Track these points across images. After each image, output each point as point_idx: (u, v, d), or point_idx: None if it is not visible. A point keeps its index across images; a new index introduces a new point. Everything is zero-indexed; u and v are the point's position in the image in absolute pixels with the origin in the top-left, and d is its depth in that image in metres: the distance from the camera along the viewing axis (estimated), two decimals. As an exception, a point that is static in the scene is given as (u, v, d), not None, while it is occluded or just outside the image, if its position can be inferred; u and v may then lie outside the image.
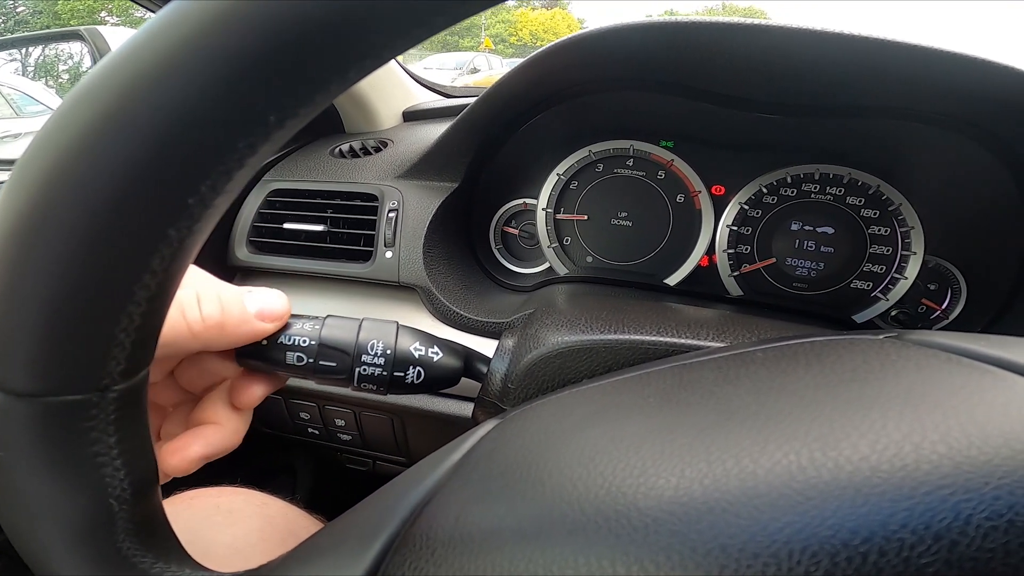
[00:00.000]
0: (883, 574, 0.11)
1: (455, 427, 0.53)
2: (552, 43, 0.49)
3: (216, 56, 0.12)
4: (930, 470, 0.12)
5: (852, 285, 0.54)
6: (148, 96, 0.13)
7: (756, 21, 0.43)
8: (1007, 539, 0.11)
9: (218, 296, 0.26)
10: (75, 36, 0.73)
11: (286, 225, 0.60)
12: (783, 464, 0.14)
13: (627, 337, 0.33)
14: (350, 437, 0.63)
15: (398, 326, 0.33)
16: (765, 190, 0.55)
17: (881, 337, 0.22)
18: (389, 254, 0.55)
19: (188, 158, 0.13)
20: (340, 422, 0.61)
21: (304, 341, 0.30)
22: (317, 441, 0.66)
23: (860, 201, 0.53)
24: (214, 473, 0.51)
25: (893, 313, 0.53)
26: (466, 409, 0.52)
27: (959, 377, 0.17)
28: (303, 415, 0.62)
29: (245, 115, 0.13)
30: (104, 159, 0.13)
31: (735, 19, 0.43)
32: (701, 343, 0.33)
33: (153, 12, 0.71)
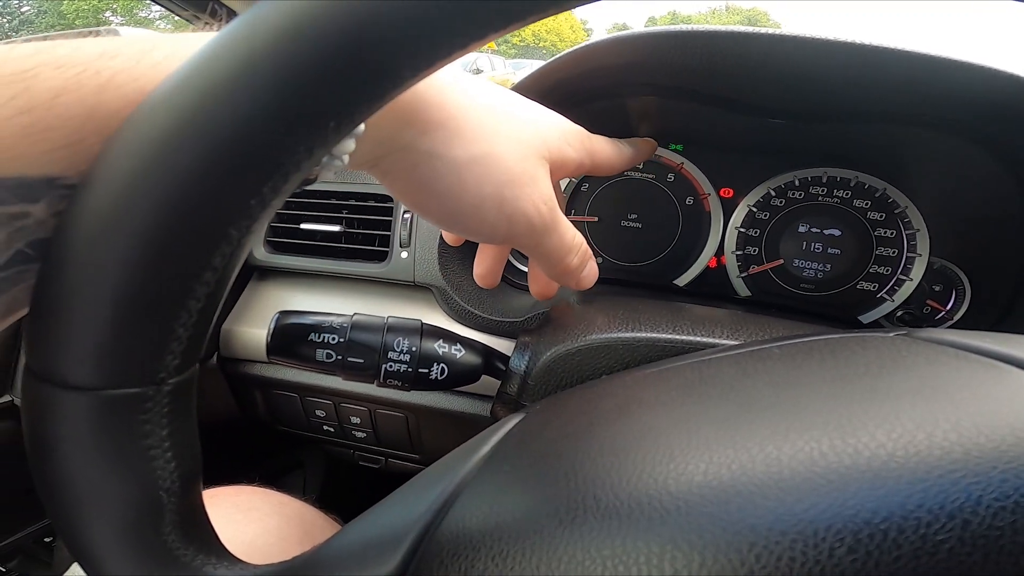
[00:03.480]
0: (902, 549, 0.12)
1: (469, 424, 0.54)
2: (563, 53, 0.50)
3: (289, 66, 0.13)
4: (942, 455, 0.13)
5: (858, 286, 0.55)
6: (221, 104, 0.13)
7: (765, 30, 0.44)
8: (1015, 518, 0.12)
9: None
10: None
11: (303, 225, 0.61)
12: (805, 451, 0.15)
13: (645, 335, 0.34)
14: (365, 435, 0.64)
15: (422, 324, 0.34)
16: (773, 193, 0.56)
17: (892, 335, 0.23)
18: (405, 254, 0.56)
19: (254, 162, 0.14)
20: (355, 420, 0.62)
21: (333, 339, 0.31)
22: (331, 439, 0.67)
23: (867, 204, 0.54)
24: (230, 472, 0.52)
25: (899, 314, 0.54)
26: (480, 407, 0.53)
27: (967, 372, 0.18)
28: (319, 413, 0.64)
29: (309, 122, 0.14)
30: (177, 163, 0.14)
31: (744, 28, 0.45)
32: (716, 341, 0.34)
33: (170, 11, 0.71)
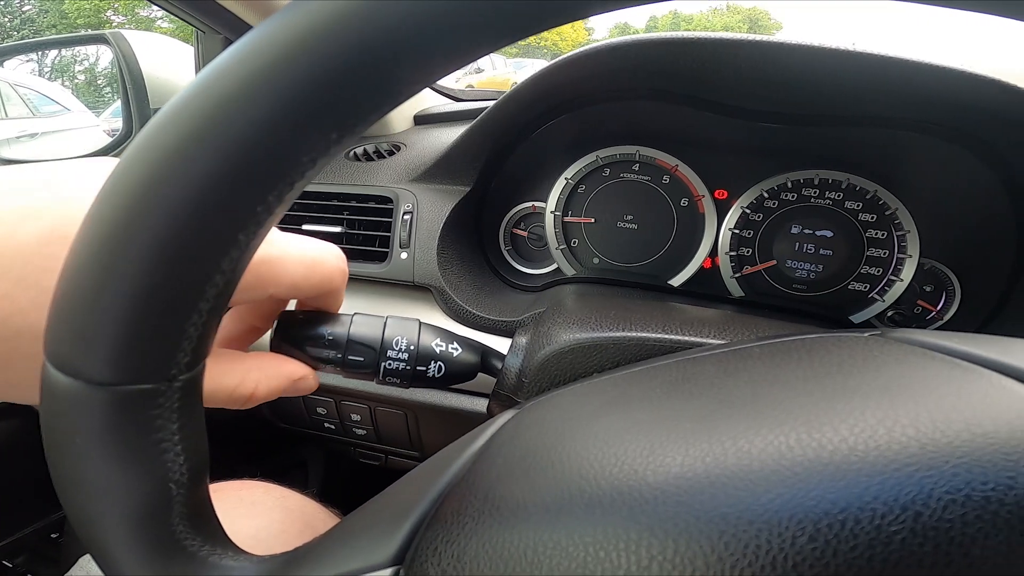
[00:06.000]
0: (858, 539, 0.13)
1: (467, 421, 0.55)
2: (564, 56, 0.51)
3: (295, 82, 0.14)
4: (899, 450, 0.14)
5: (850, 287, 0.56)
6: (231, 116, 0.14)
7: (759, 37, 0.45)
8: (964, 511, 0.12)
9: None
10: (100, 40, 0.75)
11: (304, 227, 0.62)
12: (774, 445, 0.16)
13: (634, 335, 0.35)
14: (365, 432, 0.65)
15: (420, 324, 0.35)
16: (766, 195, 0.57)
17: (866, 335, 0.24)
18: (404, 255, 0.57)
19: (261, 172, 0.15)
20: (356, 417, 0.63)
21: (335, 337, 0.32)
22: (333, 436, 0.68)
23: (858, 206, 0.55)
24: (234, 468, 0.53)
25: (889, 314, 0.55)
26: (477, 404, 0.54)
27: (932, 371, 0.19)
28: (320, 410, 0.65)
29: (312, 134, 0.15)
30: (190, 173, 0.15)
31: (740, 35, 0.46)
32: (703, 340, 0.35)
33: (167, 11, 0.71)
